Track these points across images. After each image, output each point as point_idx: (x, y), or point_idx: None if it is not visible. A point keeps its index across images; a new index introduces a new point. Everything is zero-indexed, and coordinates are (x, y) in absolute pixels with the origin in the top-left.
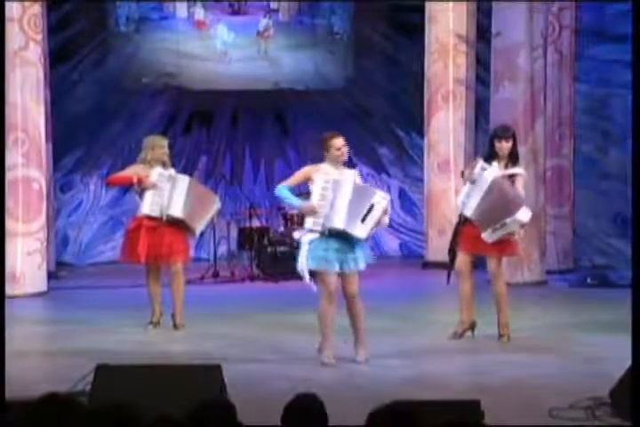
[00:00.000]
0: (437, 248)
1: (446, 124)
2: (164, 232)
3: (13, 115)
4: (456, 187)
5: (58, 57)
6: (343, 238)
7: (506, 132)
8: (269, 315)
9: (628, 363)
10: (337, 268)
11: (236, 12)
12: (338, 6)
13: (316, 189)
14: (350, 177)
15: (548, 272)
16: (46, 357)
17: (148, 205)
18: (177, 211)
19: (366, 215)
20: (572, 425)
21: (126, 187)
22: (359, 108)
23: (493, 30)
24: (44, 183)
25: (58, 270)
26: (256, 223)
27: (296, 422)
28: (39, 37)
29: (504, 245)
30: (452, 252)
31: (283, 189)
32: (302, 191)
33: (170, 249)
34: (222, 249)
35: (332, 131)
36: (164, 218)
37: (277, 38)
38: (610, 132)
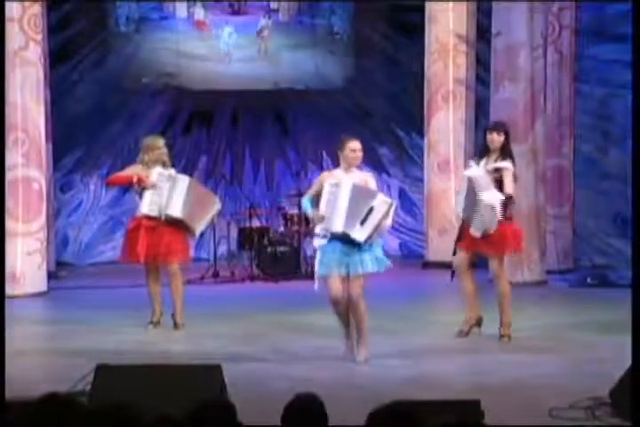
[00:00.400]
0: (437, 248)
1: (446, 124)
2: (163, 232)
3: (13, 115)
4: (456, 187)
5: (58, 57)
6: (348, 241)
7: (497, 125)
8: (269, 315)
9: (628, 363)
10: (343, 272)
11: (236, 12)
12: (338, 6)
13: (323, 196)
14: (350, 180)
15: (548, 272)
16: (46, 357)
17: (147, 205)
18: (176, 211)
19: (365, 218)
20: (572, 425)
21: (126, 187)
22: (359, 108)
23: (493, 30)
24: (44, 183)
25: (58, 270)
26: (256, 223)
27: (296, 422)
28: (39, 37)
29: (503, 244)
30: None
31: (306, 202)
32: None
33: (168, 249)
34: (222, 249)
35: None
36: (163, 218)
37: (277, 38)
38: (610, 132)
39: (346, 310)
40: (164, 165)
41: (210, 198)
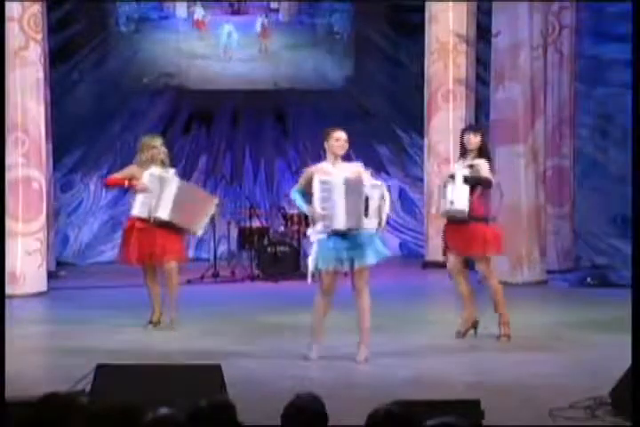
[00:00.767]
0: (437, 248)
1: (446, 123)
2: (157, 233)
3: (13, 115)
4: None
5: (58, 57)
6: (349, 237)
7: (473, 126)
8: (269, 315)
9: (628, 363)
10: (340, 267)
11: (236, 12)
12: (338, 6)
13: (315, 191)
14: (341, 173)
15: (549, 272)
16: (46, 357)
17: (138, 207)
18: (164, 213)
19: (366, 208)
20: (572, 425)
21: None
22: (359, 108)
23: (493, 30)
24: (44, 183)
25: (58, 270)
26: (256, 223)
27: (296, 422)
28: (39, 37)
29: (487, 244)
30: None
31: (295, 193)
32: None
33: (163, 249)
34: (222, 249)
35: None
36: (152, 220)
37: (277, 38)
38: (610, 132)
39: (328, 307)
40: (162, 164)
41: (204, 198)
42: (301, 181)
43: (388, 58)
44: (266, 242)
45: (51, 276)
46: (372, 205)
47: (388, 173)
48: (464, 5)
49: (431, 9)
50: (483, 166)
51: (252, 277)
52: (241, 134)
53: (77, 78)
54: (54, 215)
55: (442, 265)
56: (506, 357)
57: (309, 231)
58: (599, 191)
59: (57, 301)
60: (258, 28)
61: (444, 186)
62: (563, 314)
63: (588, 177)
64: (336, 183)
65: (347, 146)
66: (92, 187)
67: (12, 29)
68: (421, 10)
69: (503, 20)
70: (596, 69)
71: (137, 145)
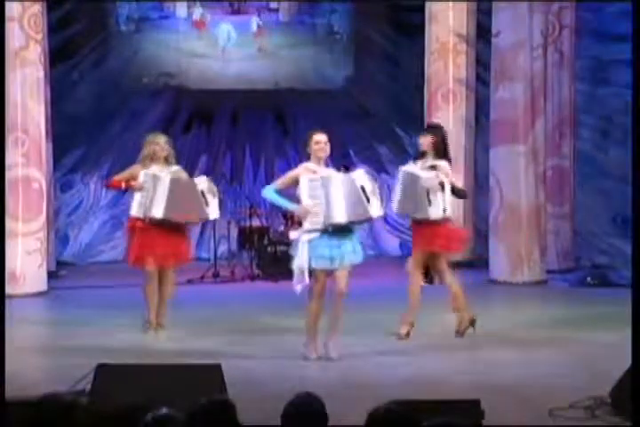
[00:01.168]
0: None
1: (446, 123)
2: (156, 233)
3: (13, 114)
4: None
5: (58, 57)
6: (342, 233)
7: (426, 128)
8: (269, 315)
9: (628, 363)
10: (337, 265)
11: (236, 12)
12: (338, 6)
13: (303, 190)
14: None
15: (549, 272)
16: (46, 357)
17: (136, 207)
18: (157, 212)
19: (366, 196)
20: (572, 425)
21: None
22: (359, 108)
23: (493, 30)
24: (44, 183)
25: (58, 270)
26: (256, 223)
27: (296, 421)
28: (39, 37)
29: (450, 242)
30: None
31: (269, 191)
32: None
33: (164, 251)
34: (222, 249)
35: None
36: (147, 220)
37: (278, 38)
38: (610, 132)
39: (322, 309)
40: (166, 162)
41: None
42: (283, 180)
43: (388, 58)
44: (266, 242)
45: (51, 276)
46: (369, 191)
47: (387, 173)
48: (464, 5)
49: (431, 9)
50: (445, 168)
51: (252, 277)
52: (241, 134)
53: (77, 78)
54: (54, 215)
55: None
56: (506, 357)
57: (294, 234)
58: (599, 191)
59: (57, 301)
60: (254, 27)
61: (420, 188)
62: (563, 314)
63: (588, 177)
64: (330, 177)
65: (328, 148)
66: (92, 187)
67: (12, 29)
68: (421, 10)
69: (503, 19)
70: (596, 69)
71: (141, 144)
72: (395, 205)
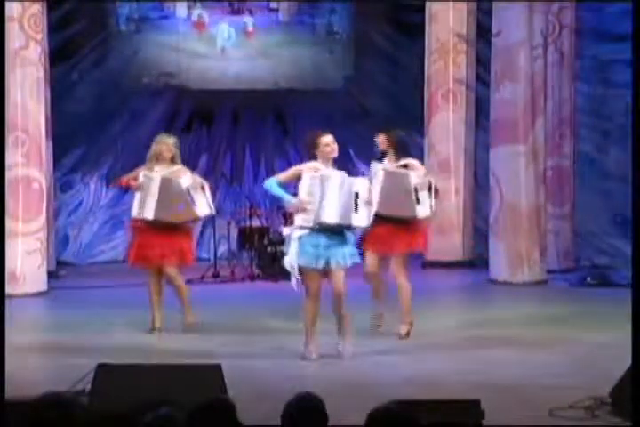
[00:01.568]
0: (437, 248)
1: (446, 123)
2: (156, 233)
3: (13, 114)
4: (456, 186)
5: (58, 56)
6: (332, 234)
7: (384, 128)
8: (269, 315)
9: (628, 363)
10: (322, 265)
11: (236, 12)
12: (338, 6)
13: (303, 186)
14: (338, 173)
15: (549, 272)
16: (46, 357)
17: (136, 208)
18: (149, 213)
19: (356, 204)
20: (572, 425)
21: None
22: (359, 108)
23: (493, 30)
24: (44, 183)
25: (58, 270)
26: (256, 223)
27: (296, 421)
28: (39, 37)
29: (411, 242)
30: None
31: (271, 182)
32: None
33: (162, 251)
34: (222, 249)
35: (318, 130)
36: (141, 221)
37: (277, 38)
38: (610, 132)
39: (318, 310)
40: (171, 162)
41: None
42: (286, 174)
43: (388, 58)
44: (266, 242)
45: (51, 276)
46: (361, 200)
47: None
48: (464, 5)
49: (431, 9)
50: (418, 166)
51: (252, 277)
52: (241, 134)
53: (77, 78)
54: (54, 215)
55: (442, 265)
56: (506, 357)
57: (286, 230)
58: (599, 191)
59: (57, 301)
60: (250, 27)
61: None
62: (563, 314)
63: (588, 177)
64: (330, 176)
65: (337, 147)
66: (92, 187)
67: (12, 29)
68: (421, 10)
69: (503, 19)
70: (596, 69)
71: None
72: (376, 207)
